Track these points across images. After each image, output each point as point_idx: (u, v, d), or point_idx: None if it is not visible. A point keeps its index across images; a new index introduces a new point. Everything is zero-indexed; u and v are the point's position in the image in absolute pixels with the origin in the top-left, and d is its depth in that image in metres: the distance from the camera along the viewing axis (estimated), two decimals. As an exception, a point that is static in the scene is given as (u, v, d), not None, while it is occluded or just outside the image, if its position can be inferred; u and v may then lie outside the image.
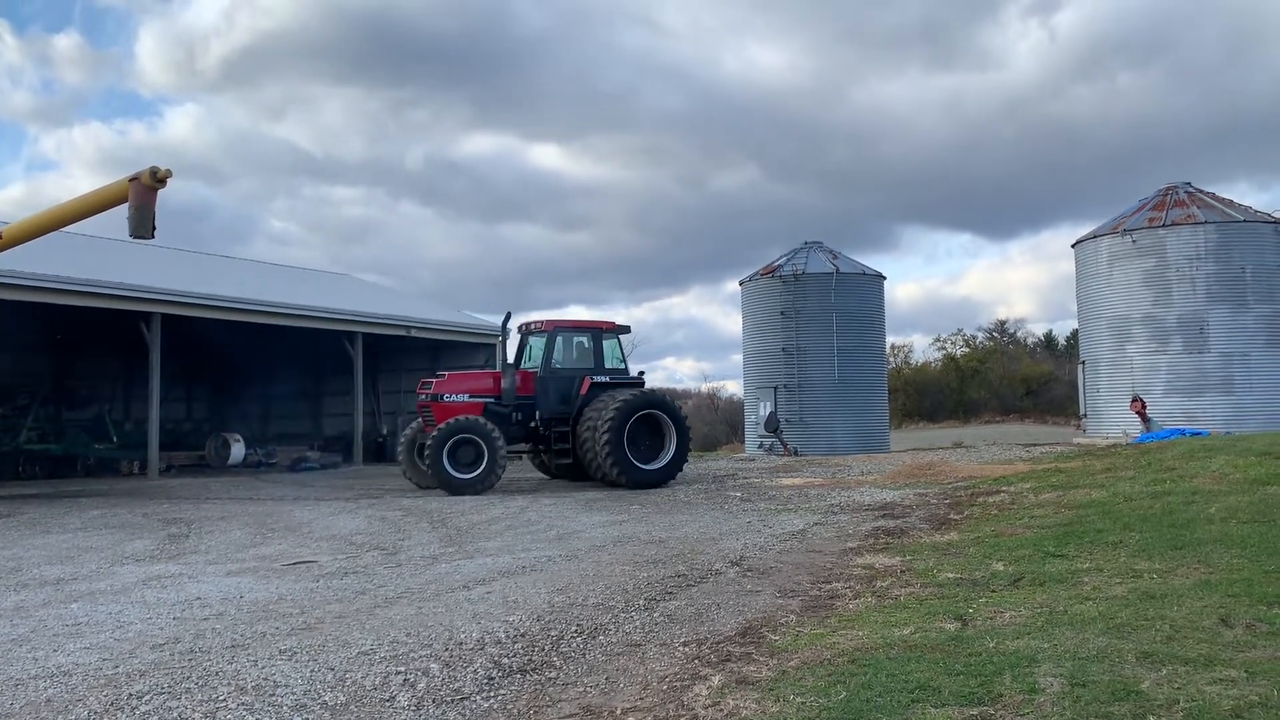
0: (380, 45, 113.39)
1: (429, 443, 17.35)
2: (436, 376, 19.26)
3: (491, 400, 18.52)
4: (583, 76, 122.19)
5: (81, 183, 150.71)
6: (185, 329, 27.38)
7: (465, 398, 18.42)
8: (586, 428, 18.30)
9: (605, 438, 17.79)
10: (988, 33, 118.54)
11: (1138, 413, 25.61)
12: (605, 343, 19.64)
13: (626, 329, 20.30)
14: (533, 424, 18.76)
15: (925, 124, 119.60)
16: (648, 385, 20.00)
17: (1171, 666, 5.02)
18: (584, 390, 18.79)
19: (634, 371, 20.12)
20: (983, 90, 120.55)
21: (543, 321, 19.63)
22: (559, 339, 19.34)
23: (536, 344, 19.60)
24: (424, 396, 18.66)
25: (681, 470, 19.24)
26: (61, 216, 17.00)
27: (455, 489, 17.24)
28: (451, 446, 17.36)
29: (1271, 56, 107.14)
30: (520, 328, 19.58)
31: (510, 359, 19.69)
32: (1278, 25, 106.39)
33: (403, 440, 19.44)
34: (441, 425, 17.49)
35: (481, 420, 17.76)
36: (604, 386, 18.91)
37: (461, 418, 17.68)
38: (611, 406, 18.04)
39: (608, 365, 19.48)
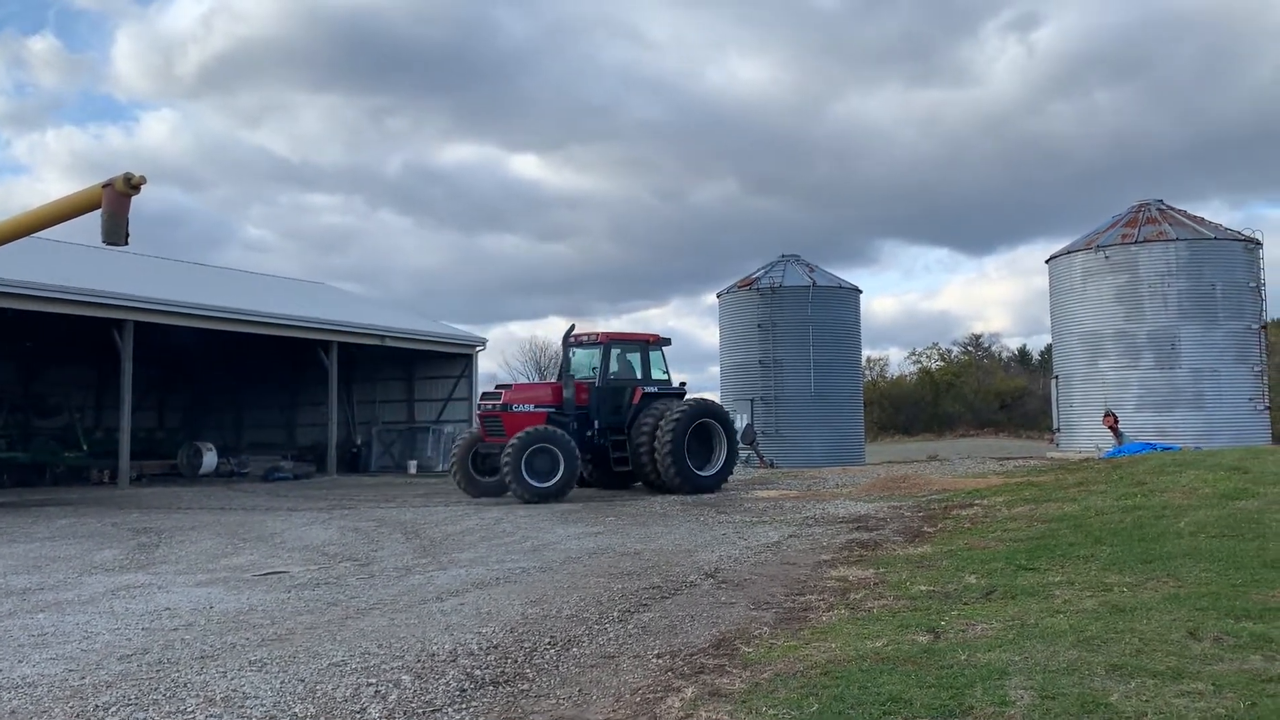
0: (360, 53, 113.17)
1: (508, 452, 17.33)
2: (502, 387, 19.86)
3: (553, 410, 18.80)
4: (564, 87, 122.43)
5: (54, 188, 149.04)
6: (158, 337, 27.19)
7: (531, 408, 18.71)
8: (642, 436, 18.82)
9: (668, 446, 18.40)
10: (967, 49, 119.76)
11: (1110, 427, 25.86)
12: (651, 354, 20.28)
13: (668, 341, 21.00)
14: (588, 433, 19.11)
15: (905, 139, 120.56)
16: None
17: (1140, 679, 5.06)
18: (635, 400, 19.41)
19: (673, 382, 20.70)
20: (961, 106, 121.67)
21: (597, 334, 20.23)
22: (613, 351, 19.87)
23: (583, 356, 20.09)
24: (490, 406, 18.88)
25: (730, 476, 19.92)
26: (33, 222, 16.83)
27: (533, 498, 17.27)
28: (528, 456, 17.45)
29: (1247, 77, 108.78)
30: (566, 340, 20.05)
31: (570, 370, 19.97)
32: (1253, 46, 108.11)
33: (455, 449, 19.60)
34: (519, 435, 17.55)
35: (559, 430, 18.00)
36: (653, 397, 19.56)
37: (540, 428, 17.85)
38: (672, 416, 18.68)
39: (654, 376, 20.11)
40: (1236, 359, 26.89)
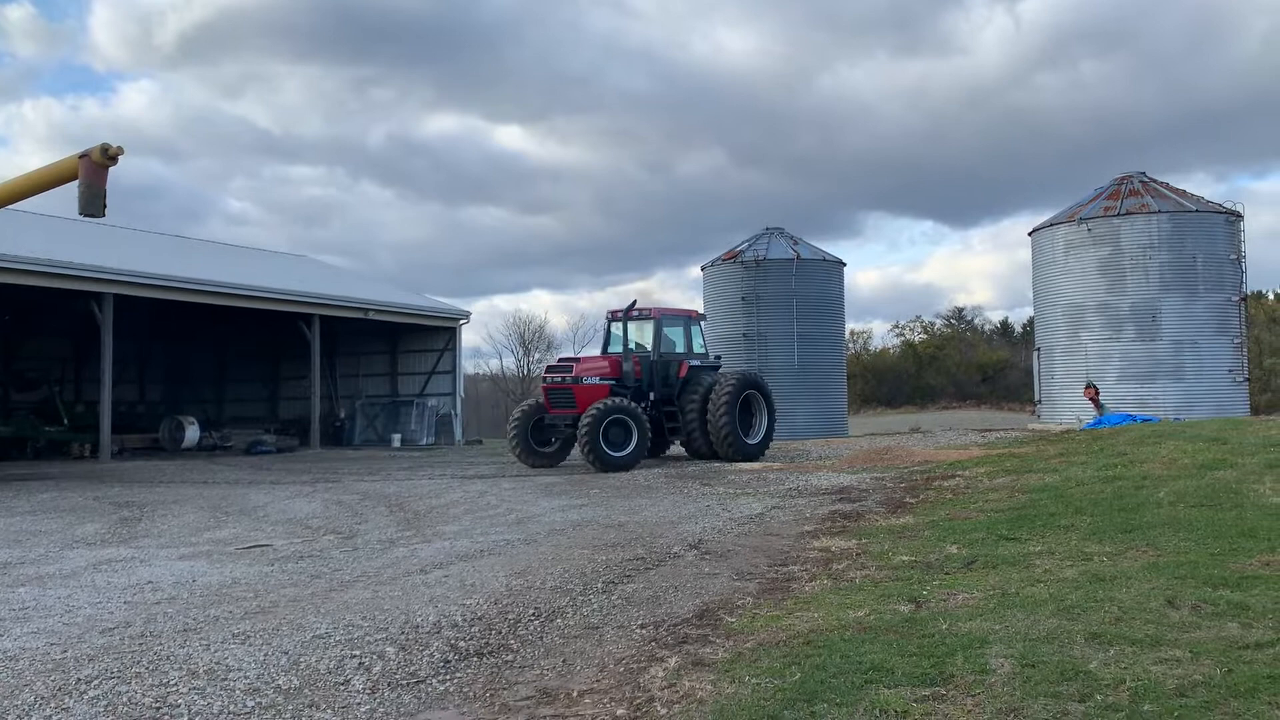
0: (342, 23, 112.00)
1: (585, 423, 17.72)
2: (572, 360, 20.29)
3: (614, 382, 19.35)
4: (548, 57, 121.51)
5: (31, 159, 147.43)
6: (138, 310, 26.96)
7: (597, 380, 19.16)
8: (692, 407, 19.55)
9: (723, 417, 19.09)
10: (953, 19, 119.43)
11: (1091, 399, 26.00)
12: (693, 329, 20.89)
13: (705, 316, 21.65)
14: (643, 405, 19.49)
15: (890, 111, 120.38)
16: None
17: (1119, 647, 5.12)
18: (682, 373, 20.04)
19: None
20: (947, 77, 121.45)
21: (650, 309, 20.70)
22: (664, 325, 20.39)
23: (630, 329, 20.47)
24: (559, 379, 19.21)
25: (770, 445, 20.68)
26: (8, 194, 16.62)
27: (609, 467, 17.69)
28: (605, 427, 17.89)
29: (1231, 50, 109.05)
30: (610, 314, 20.67)
31: (630, 346, 20.24)
32: (1238, 19, 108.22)
33: (514, 420, 19.82)
34: (596, 407, 18.01)
35: (631, 403, 18.54)
36: (696, 370, 20.25)
37: (614, 400, 18.39)
38: (723, 389, 19.34)
39: (695, 349, 20.75)
40: (1217, 331, 27.04)
